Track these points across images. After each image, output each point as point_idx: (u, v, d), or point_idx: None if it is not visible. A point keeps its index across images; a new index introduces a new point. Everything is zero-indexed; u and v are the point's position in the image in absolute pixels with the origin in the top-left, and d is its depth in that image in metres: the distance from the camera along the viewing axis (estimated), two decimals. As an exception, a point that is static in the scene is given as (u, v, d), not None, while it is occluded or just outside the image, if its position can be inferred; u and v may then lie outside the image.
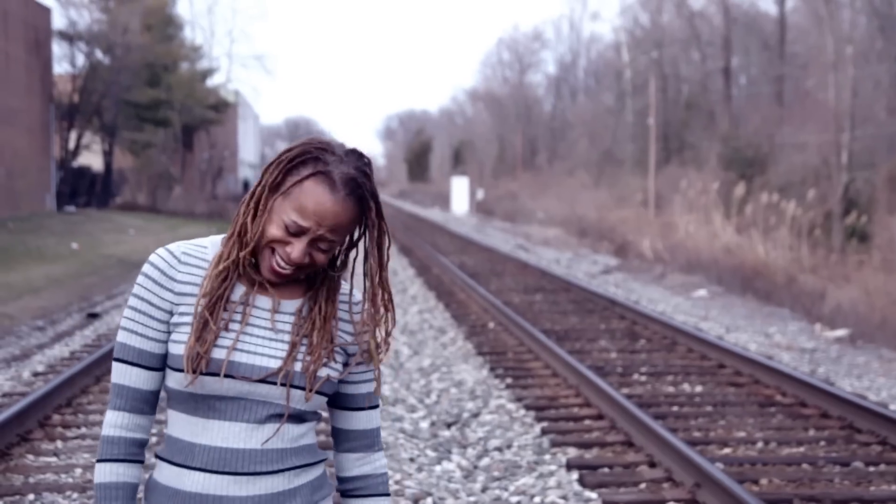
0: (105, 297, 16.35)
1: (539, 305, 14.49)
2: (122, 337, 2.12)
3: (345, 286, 2.22)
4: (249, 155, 75.79)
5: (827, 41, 35.22)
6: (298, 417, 2.14)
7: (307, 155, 2.09)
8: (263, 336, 2.11)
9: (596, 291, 15.21)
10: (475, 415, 8.09)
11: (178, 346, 2.09)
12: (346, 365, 2.20)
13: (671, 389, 8.87)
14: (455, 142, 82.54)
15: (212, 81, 55.51)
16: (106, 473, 2.12)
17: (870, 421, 7.24)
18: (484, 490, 6.23)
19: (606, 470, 6.44)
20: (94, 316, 13.72)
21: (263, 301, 2.14)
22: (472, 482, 6.41)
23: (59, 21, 40.36)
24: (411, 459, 6.76)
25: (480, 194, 55.18)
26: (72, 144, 39.27)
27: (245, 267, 2.12)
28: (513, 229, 38.86)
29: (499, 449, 7.07)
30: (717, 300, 18.10)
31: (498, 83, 79.60)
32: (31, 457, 6.68)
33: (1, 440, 6.65)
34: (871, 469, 6.42)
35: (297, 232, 2.05)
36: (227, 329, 2.09)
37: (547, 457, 6.77)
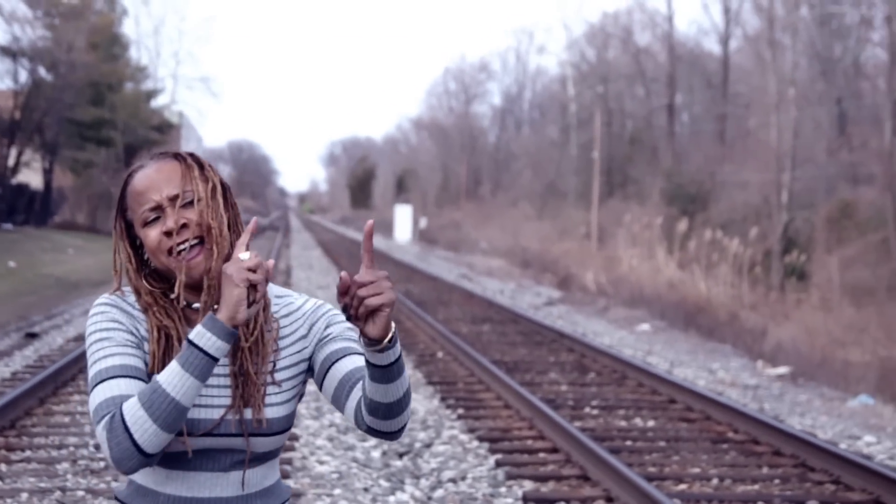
0: (44, 316, 16.06)
1: (487, 336, 14.46)
2: (95, 368, 1.96)
3: (279, 300, 2.15)
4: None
5: (770, 82, 35.79)
6: (262, 459, 2.08)
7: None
8: (208, 383, 2.01)
9: (544, 323, 15.22)
10: (427, 445, 8.02)
11: None
12: (308, 371, 2.13)
13: (623, 423, 8.86)
14: (399, 170, 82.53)
15: (156, 102, 55.11)
16: (129, 406, 1.89)
17: (822, 459, 7.27)
18: (439, 522, 6.16)
19: (563, 504, 6.40)
20: (33, 336, 13.45)
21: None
22: (426, 514, 6.33)
23: (2, 37, 39.87)
24: (365, 489, 6.67)
25: (423, 223, 55.18)
26: (11, 161, 38.66)
27: (161, 302, 2.04)
28: (456, 258, 38.86)
29: (453, 480, 6.99)
30: (660, 335, 18.19)
31: (443, 113, 79.87)
32: (-11, 483, 6.49)
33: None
34: (827, 508, 6.44)
35: (156, 214, 2.02)
36: None
37: (503, 489, 6.71)
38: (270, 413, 2.04)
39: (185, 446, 1.97)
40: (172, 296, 2.03)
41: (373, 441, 8.08)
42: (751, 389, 11.88)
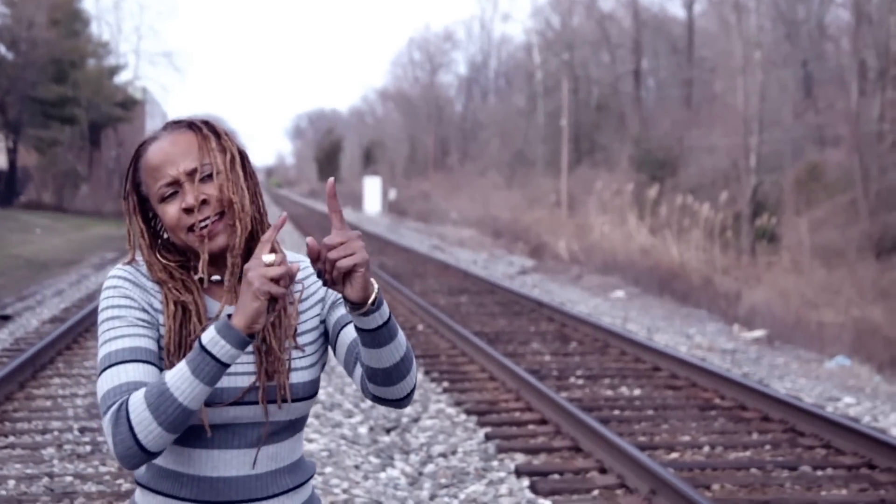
0: (15, 298, 15.87)
1: (466, 307, 14.41)
2: (104, 350, 1.88)
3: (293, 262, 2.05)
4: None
5: (735, 46, 35.80)
6: (289, 430, 2.01)
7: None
8: None
9: (521, 293, 15.20)
10: (415, 420, 7.97)
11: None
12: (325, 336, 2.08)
13: (610, 393, 8.85)
14: (366, 141, 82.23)
15: (119, 79, 54.46)
16: (136, 400, 1.80)
17: (811, 424, 7.29)
18: (432, 498, 6.12)
19: (557, 476, 6.37)
20: (5, 318, 13.28)
21: (216, 305, 1.99)
22: (418, 489, 6.29)
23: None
24: (356, 467, 6.62)
25: (393, 194, 55.05)
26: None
27: (181, 275, 1.97)
28: (427, 230, 38.79)
29: (443, 455, 6.95)
30: (634, 301, 18.24)
31: (409, 83, 79.51)
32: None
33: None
34: (819, 473, 6.44)
35: (173, 189, 1.94)
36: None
37: (494, 463, 6.68)
38: (295, 378, 1.98)
39: (205, 425, 1.90)
40: (192, 270, 1.98)
41: (359, 417, 8.03)
42: (729, 354, 11.93)
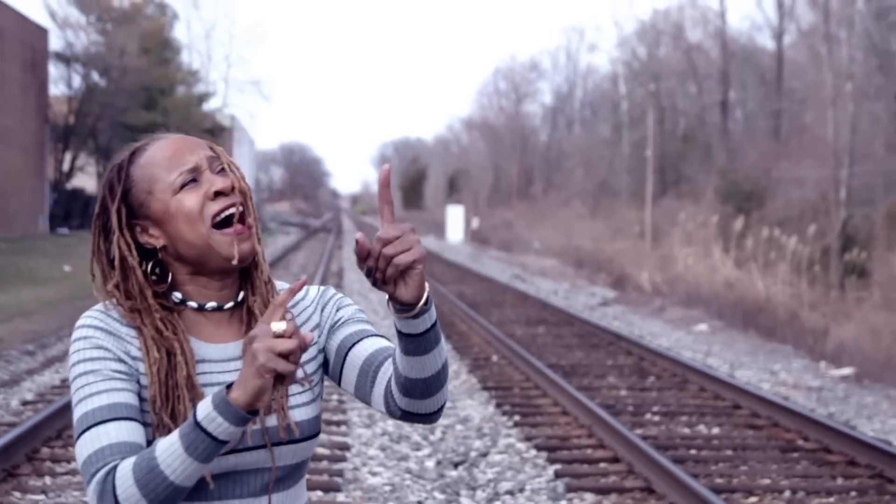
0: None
1: (542, 338, 14.16)
2: (80, 410, 1.68)
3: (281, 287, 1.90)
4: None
5: (826, 77, 35.11)
6: (295, 475, 1.82)
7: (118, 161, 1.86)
8: None
9: (600, 325, 14.90)
10: (483, 454, 7.75)
11: (147, 431, 1.72)
12: (325, 366, 1.90)
13: (687, 431, 8.54)
14: (450, 170, 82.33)
15: (208, 106, 55.37)
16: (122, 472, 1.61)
17: (900, 469, 6.91)
18: (498, 538, 5.90)
19: (627, 519, 6.11)
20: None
21: (202, 348, 1.79)
22: (483, 528, 6.07)
23: (56, 42, 40.15)
24: (419, 503, 6.42)
25: (475, 223, 54.94)
26: (66, 166, 39.00)
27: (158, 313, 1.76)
28: (508, 259, 38.58)
29: (510, 492, 6.72)
30: (718, 335, 17.81)
31: (494, 112, 79.50)
32: (17, 494, 6.31)
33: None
34: (907, 522, 6.09)
35: (193, 176, 1.77)
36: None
37: (563, 503, 6.43)
38: (298, 415, 1.79)
39: (206, 475, 1.71)
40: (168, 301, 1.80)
41: (427, 450, 7.83)
42: (814, 392, 11.50)
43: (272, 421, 1.77)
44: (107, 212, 1.80)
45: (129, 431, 1.67)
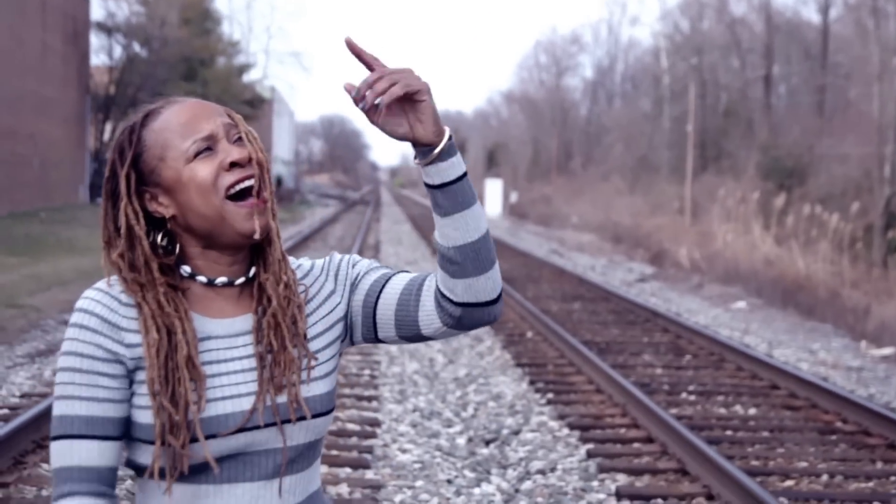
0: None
1: (578, 315, 14.02)
2: (60, 408, 1.64)
3: (298, 263, 1.83)
4: (284, 152, 75.65)
5: (872, 52, 34.55)
6: (308, 456, 1.73)
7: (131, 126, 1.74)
8: (229, 370, 1.67)
9: (637, 302, 14.73)
10: (515, 432, 7.65)
11: (147, 413, 1.64)
12: (346, 334, 1.81)
13: (723, 411, 8.38)
14: (489, 143, 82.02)
15: (248, 77, 55.41)
16: None
17: (941, 454, 6.75)
18: (527, 518, 5.81)
19: (660, 501, 5.98)
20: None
21: (209, 324, 1.70)
22: (513, 508, 5.98)
23: (97, 12, 40.25)
24: (449, 481, 6.34)
25: (514, 197, 54.73)
26: (107, 136, 39.12)
27: (167, 285, 1.68)
28: (546, 233, 38.37)
29: (542, 472, 6.62)
30: (756, 313, 17.59)
31: (534, 86, 79.05)
32: (46, 466, 6.29)
33: (15, 447, 6.27)
34: (948, 509, 5.94)
35: (208, 144, 1.68)
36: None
37: (594, 483, 6.32)
38: (311, 391, 1.71)
39: (209, 460, 1.62)
40: (186, 270, 1.71)
41: (459, 426, 7.75)
42: (855, 371, 11.31)
43: (283, 398, 1.68)
44: (116, 177, 1.71)
45: (101, 454, 1.62)
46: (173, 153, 1.67)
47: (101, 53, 40.97)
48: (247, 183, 1.67)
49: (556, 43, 77.02)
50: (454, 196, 1.64)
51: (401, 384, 9.05)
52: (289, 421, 1.67)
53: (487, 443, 7.40)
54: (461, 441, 7.36)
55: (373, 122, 1.65)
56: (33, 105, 29.43)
